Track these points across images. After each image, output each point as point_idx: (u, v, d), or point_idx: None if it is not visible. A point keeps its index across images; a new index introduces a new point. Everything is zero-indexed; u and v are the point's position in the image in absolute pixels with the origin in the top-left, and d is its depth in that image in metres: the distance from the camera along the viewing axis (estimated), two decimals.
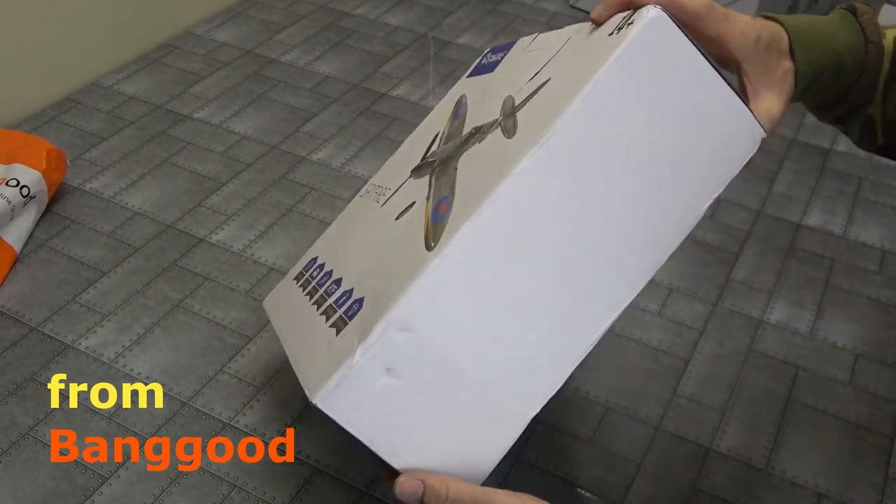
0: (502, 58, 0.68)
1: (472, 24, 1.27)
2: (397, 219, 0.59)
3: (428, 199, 0.57)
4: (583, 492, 0.66)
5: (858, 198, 0.97)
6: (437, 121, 0.70)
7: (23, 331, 0.78)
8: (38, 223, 0.89)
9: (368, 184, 0.70)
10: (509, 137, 0.54)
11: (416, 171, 0.64)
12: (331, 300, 0.57)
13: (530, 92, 0.56)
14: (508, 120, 0.56)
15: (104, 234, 0.88)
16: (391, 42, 1.23)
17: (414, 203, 0.59)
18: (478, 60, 0.73)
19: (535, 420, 0.73)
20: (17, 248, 0.84)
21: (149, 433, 0.70)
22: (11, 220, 0.84)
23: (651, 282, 0.85)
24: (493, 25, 1.28)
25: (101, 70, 1.14)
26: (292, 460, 0.68)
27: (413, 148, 0.69)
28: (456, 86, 0.73)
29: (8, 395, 0.72)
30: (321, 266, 0.64)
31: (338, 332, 0.53)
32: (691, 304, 0.83)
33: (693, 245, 0.90)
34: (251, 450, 0.69)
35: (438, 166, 0.61)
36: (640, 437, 0.71)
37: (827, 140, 1.06)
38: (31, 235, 0.87)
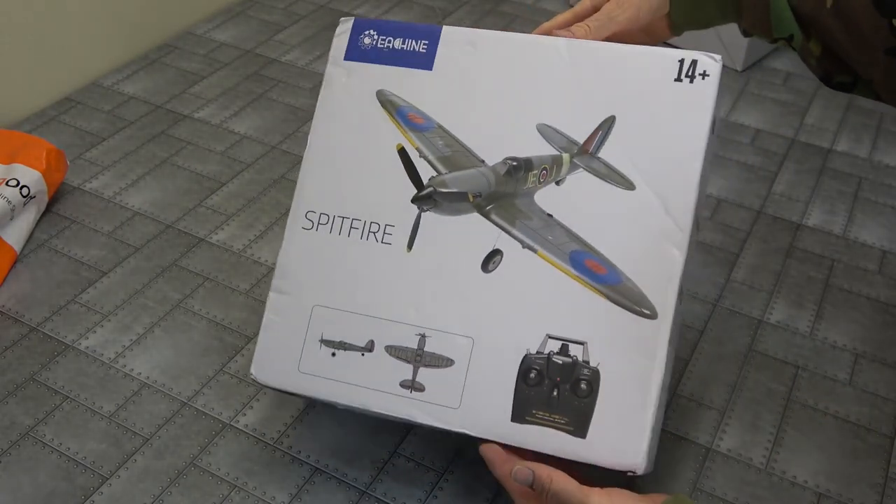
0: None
1: (472, 24, 1.27)
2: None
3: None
4: None
5: (858, 198, 0.97)
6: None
7: (23, 331, 0.78)
8: (38, 223, 0.89)
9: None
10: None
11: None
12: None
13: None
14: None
15: (104, 234, 0.88)
16: None
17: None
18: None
19: None
20: (17, 248, 0.84)
21: (149, 433, 0.70)
22: (11, 220, 0.84)
23: None
24: (493, 25, 1.28)
25: (101, 70, 1.14)
26: (292, 460, 0.68)
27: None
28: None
29: (8, 395, 0.72)
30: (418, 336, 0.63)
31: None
32: (691, 304, 0.83)
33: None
34: (251, 450, 0.69)
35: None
36: None
37: (827, 140, 1.06)
38: (31, 235, 0.87)
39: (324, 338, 0.64)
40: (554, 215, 0.62)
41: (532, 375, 0.59)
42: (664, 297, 0.59)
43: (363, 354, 0.63)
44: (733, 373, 0.77)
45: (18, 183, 0.84)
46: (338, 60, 0.69)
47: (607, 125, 0.62)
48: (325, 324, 0.64)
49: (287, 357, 0.64)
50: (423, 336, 0.62)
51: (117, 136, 1.02)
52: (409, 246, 0.63)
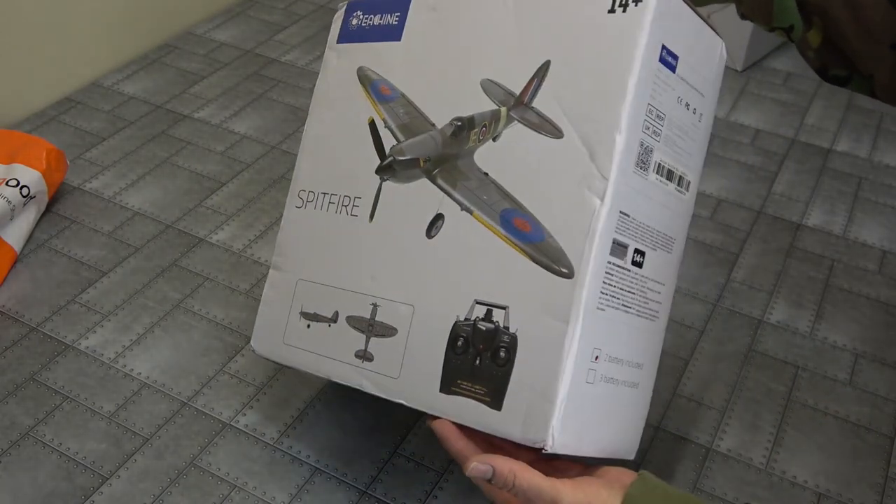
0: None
1: None
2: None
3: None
4: None
5: (858, 198, 0.97)
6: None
7: (23, 331, 0.78)
8: (38, 223, 0.89)
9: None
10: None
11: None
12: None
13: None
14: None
15: (104, 234, 0.88)
16: None
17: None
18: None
19: None
20: (17, 248, 0.84)
21: (149, 433, 0.70)
22: (11, 220, 0.84)
23: None
24: None
25: (101, 70, 1.14)
26: (292, 460, 0.68)
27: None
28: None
29: (8, 395, 0.72)
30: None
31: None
32: (691, 304, 0.83)
33: (693, 245, 0.90)
34: (251, 450, 0.69)
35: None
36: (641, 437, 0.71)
37: (827, 140, 1.06)
38: (31, 235, 0.87)
39: (302, 310, 0.65)
40: (490, 173, 0.58)
41: (459, 343, 0.57)
42: (581, 254, 0.53)
43: (329, 325, 0.64)
44: (733, 373, 0.77)
45: (18, 183, 0.84)
46: (332, 44, 0.70)
47: (542, 72, 0.57)
48: (304, 297, 0.65)
49: (276, 330, 0.67)
50: (375, 305, 0.61)
51: (117, 136, 1.02)
52: (371, 216, 0.63)
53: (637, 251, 0.56)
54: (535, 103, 0.57)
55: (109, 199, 0.93)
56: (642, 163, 0.55)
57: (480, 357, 0.56)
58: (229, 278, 0.84)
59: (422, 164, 0.61)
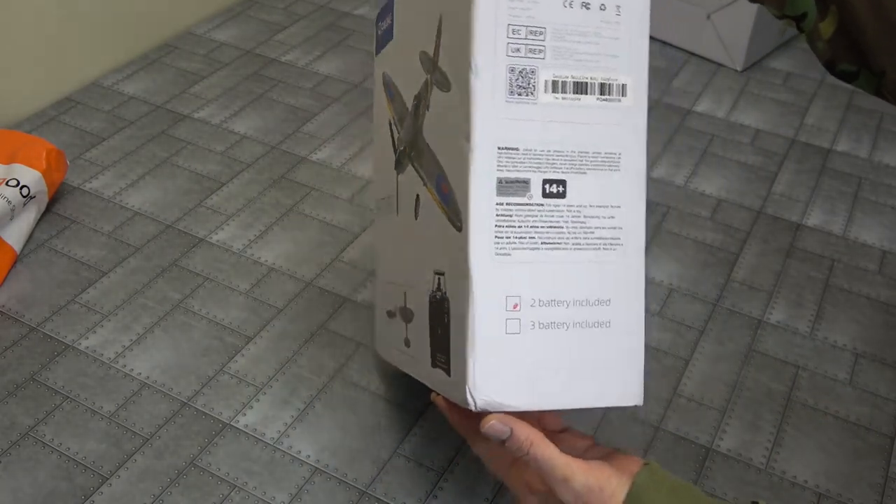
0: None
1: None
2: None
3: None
4: None
5: (858, 198, 0.97)
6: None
7: (23, 331, 0.78)
8: (38, 223, 0.89)
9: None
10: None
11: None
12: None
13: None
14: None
15: (104, 234, 0.88)
16: None
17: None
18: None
19: (536, 419, 0.72)
20: (17, 248, 0.84)
21: (149, 433, 0.70)
22: (11, 220, 0.84)
23: (651, 282, 0.85)
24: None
25: (101, 70, 1.14)
26: (292, 460, 0.68)
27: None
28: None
29: (8, 395, 0.72)
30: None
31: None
32: (691, 304, 0.83)
33: (693, 245, 0.90)
34: (251, 450, 0.69)
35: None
36: (641, 436, 0.71)
37: (827, 140, 1.06)
38: (31, 235, 0.87)
39: (386, 309, 0.69)
40: (429, 143, 0.57)
41: (433, 317, 0.56)
42: (465, 203, 0.51)
43: (391, 318, 0.67)
44: (733, 373, 0.77)
45: (18, 183, 0.84)
46: (375, 58, 0.73)
47: (439, 29, 0.55)
48: (384, 297, 0.70)
49: (379, 332, 0.72)
50: (405, 293, 0.62)
51: (117, 136, 1.02)
52: (397, 211, 0.65)
53: (549, 182, 0.52)
54: (441, 62, 0.55)
55: (109, 199, 0.93)
56: (521, 88, 0.51)
57: (441, 327, 0.55)
58: (229, 278, 0.84)
59: (407, 150, 0.62)
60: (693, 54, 1.21)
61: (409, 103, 0.62)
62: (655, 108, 1.10)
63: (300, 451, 0.69)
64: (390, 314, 0.67)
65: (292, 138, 1.03)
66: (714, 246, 0.90)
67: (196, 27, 1.23)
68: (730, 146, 1.03)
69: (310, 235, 0.89)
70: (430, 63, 0.57)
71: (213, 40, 1.21)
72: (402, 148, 0.63)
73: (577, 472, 0.51)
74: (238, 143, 1.02)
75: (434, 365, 0.56)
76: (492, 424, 0.51)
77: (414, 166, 0.60)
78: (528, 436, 0.51)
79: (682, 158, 1.01)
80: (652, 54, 1.20)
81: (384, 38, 0.69)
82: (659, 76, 1.16)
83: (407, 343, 0.63)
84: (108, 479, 0.66)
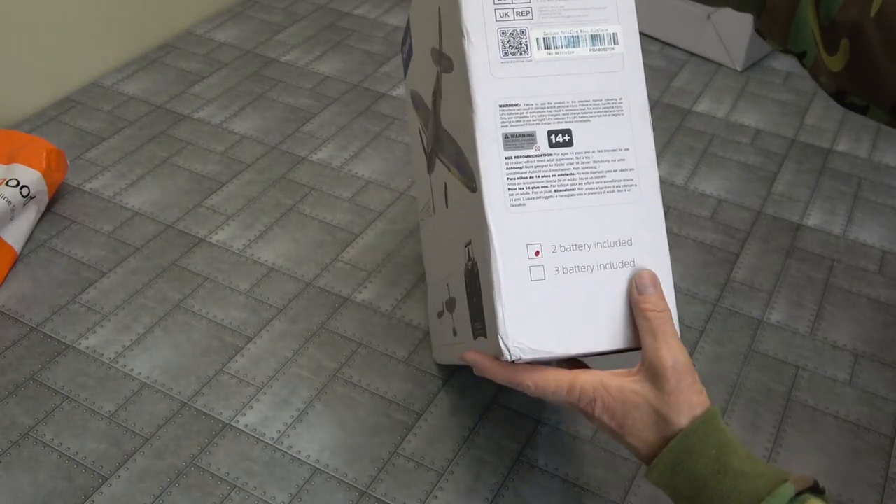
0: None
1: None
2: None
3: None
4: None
5: (858, 198, 0.97)
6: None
7: (23, 331, 0.78)
8: (38, 223, 0.89)
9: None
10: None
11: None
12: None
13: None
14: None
15: (104, 234, 0.88)
16: (391, 42, 1.23)
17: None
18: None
19: (536, 420, 0.73)
20: (17, 248, 0.84)
21: (149, 433, 0.70)
22: (11, 220, 0.84)
23: None
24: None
25: (101, 70, 1.14)
26: (292, 460, 0.68)
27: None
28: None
29: (8, 395, 0.72)
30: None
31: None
32: (691, 304, 0.83)
33: (693, 245, 0.90)
34: (251, 450, 0.69)
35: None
36: None
37: (827, 140, 1.06)
38: (31, 235, 0.87)
39: (437, 311, 0.71)
40: (446, 129, 0.60)
41: (469, 287, 0.58)
42: (476, 163, 0.53)
43: (440, 319, 0.69)
44: (733, 373, 0.77)
45: (18, 183, 0.84)
46: (404, 81, 0.77)
47: (440, 17, 0.59)
48: (433, 298, 0.72)
49: (434, 335, 0.74)
50: (447, 286, 0.65)
51: (117, 136, 1.02)
52: (434, 211, 0.68)
53: (554, 132, 0.54)
54: (445, 48, 0.58)
55: (109, 199, 0.93)
56: (514, 49, 0.54)
57: (476, 295, 0.57)
58: (229, 278, 0.84)
59: (433, 149, 0.65)
60: (693, 54, 1.21)
61: (430, 104, 0.64)
62: (655, 107, 1.10)
63: (300, 451, 0.69)
64: (440, 314, 0.69)
65: (292, 138, 1.03)
66: (714, 246, 0.90)
67: (196, 27, 1.23)
68: (730, 146, 1.03)
69: (310, 235, 0.89)
70: (437, 54, 0.59)
71: (213, 40, 1.21)
72: (429, 150, 0.66)
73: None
74: (238, 143, 1.02)
75: (475, 336, 0.57)
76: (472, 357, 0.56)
77: (440, 158, 0.62)
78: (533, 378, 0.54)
79: (682, 158, 1.01)
80: (652, 54, 1.20)
81: (407, 60, 0.72)
82: (659, 76, 1.16)
83: (454, 332, 0.64)
84: (108, 479, 0.66)
